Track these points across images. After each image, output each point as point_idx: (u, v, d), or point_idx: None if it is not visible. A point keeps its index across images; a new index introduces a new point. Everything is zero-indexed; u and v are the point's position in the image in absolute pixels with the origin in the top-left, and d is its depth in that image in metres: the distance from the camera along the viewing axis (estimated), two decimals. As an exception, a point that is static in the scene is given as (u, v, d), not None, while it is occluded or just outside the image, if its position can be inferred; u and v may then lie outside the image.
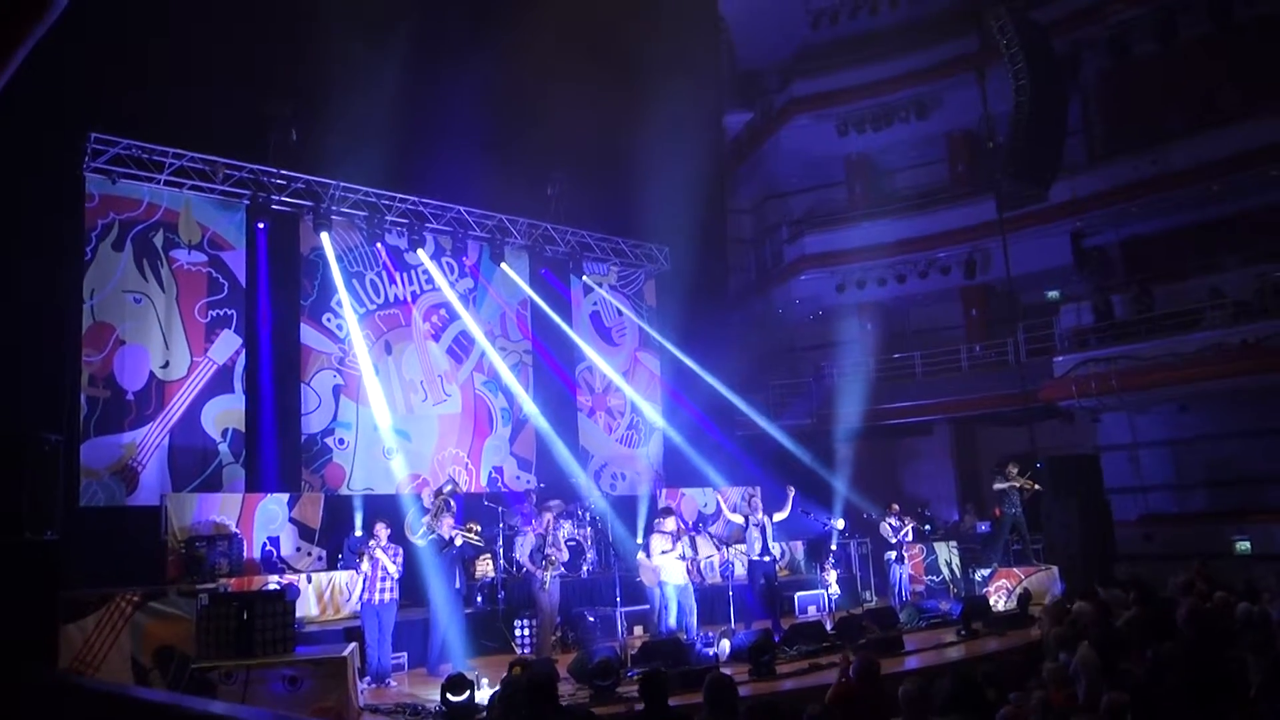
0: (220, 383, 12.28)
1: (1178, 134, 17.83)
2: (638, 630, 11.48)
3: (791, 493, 12.23)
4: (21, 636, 5.16)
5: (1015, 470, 14.13)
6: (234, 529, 11.25)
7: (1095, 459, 15.59)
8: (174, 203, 12.23)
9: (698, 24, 19.89)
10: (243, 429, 12.36)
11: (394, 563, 9.62)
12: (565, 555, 12.16)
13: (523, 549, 11.02)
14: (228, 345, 12.44)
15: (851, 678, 6.50)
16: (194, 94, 11.63)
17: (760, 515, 11.79)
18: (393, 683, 9.48)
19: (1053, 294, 20.40)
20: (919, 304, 22.41)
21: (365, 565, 9.57)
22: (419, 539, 10.09)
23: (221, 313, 12.47)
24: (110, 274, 11.61)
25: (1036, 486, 14.18)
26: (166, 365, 11.88)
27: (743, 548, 12.03)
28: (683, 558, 10.93)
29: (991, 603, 12.72)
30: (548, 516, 11.26)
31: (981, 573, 13.98)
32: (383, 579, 9.54)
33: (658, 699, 5.42)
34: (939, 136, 22.32)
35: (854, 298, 21.85)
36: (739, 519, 12.06)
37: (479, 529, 10.74)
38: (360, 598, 9.75)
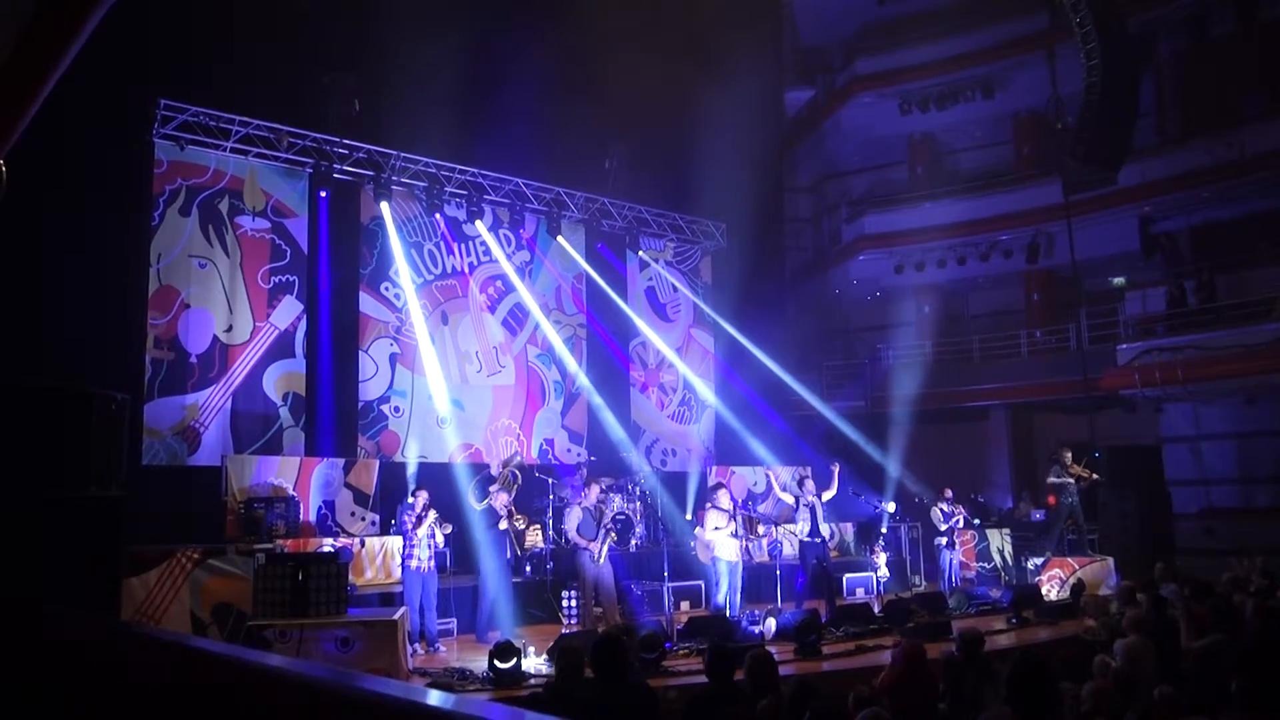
0: (282, 347, 12.52)
1: (1254, 117, 17.23)
2: (684, 605, 11.51)
3: (836, 469, 12.14)
4: (87, 588, 5.31)
5: (1069, 456, 13.82)
6: (291, 491, 11.47)
7: (1157, 450, 15.24)
8: (239, 170, 12.45)
9: (760, -1, 19.67)
10: (303, 393, 12.60)
11: (442, 533, 9.79)
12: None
13: (570, 522, 11.07)
14: (289, 311, 12.66)
15: (898, 661, 6.45)
16: (260, 63, 11.80)
17: (810, 497, 11.73)
18: (441, 648, 9.64)
19: (1118, 280, 19.91)
20: (979, 287, 22.01)
21: (423, 530, 9.67)
22: (479, 504, 10.23)
23: (284, 279, 12.69)
24: (177, 238, 11.87)
25: (1095, 476, 13.89)
26: (230, 329, 12.13)
27: (792, 527, 11.99)
28: (735, 535, 10.90)
29: (1044, 592, 12.53)
30: (594, 489, 11.24)
31: (1034, 561, 13.76)
32: (429, 546, 9.69)
33: (724, 675, 5.32)
34: (1005, 116, 21.76)
35: (912, 279, 21.50)
36: (789, 498, 12.00)
37: (526, 522, 10.93)
38: (406, 564, 9.79)
